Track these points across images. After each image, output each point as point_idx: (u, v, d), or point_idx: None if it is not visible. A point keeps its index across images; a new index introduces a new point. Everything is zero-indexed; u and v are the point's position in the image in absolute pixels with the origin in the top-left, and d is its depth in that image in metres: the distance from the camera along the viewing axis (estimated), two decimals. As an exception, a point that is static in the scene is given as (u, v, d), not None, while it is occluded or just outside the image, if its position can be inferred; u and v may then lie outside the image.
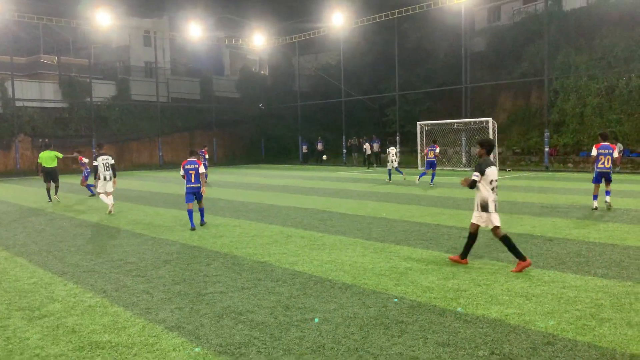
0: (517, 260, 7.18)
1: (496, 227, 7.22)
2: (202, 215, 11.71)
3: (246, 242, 9.58)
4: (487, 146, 7.44)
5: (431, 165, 20.48)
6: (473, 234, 7.49)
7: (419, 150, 30.80)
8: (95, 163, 14.32)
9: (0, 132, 32.50)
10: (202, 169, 11.46)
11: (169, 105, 41.60)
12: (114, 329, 5.22)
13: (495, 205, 7.26)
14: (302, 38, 40.43)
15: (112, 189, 14.19)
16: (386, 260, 7.91)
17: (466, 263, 7.53)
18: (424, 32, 36.05)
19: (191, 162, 11.33)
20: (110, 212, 13.80)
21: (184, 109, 42.27)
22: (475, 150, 7.33)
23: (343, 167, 35.38)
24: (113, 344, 4.85)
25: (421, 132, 30.80)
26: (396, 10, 33.24)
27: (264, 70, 51.75)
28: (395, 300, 5.95)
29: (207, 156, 24.94)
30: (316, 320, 5.35)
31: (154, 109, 39.62)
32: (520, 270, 7.02)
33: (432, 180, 20.46)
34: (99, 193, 14.47)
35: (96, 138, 35.80)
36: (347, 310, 5.63)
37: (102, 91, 38.02)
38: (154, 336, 5.01)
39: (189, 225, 11.16)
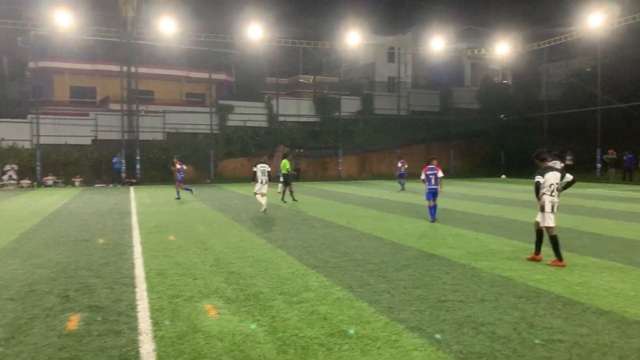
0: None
1: (547, 227, 8.43)
2: (435, 211, 13.73)
3: (485, 254, 9.32)
4: (538, 157, 8.77)
5: None
6: (537, 231, 8.72)
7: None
8: (254, 169, 16.43)
9: (265, 143, 37.65)
10: (440, 174, 13.55)
11: (408, 118, 42.86)
12: (360, 322, 5.62)
13: (553, 207, 8.41)
14: (552, 43, 37.55)
15: (266, 192, 16.35)
16: (653, 289, 6.87)
17: (540, 259, 8.59)
18: None
19: (431, 169, 13.60)
20: (264, 210, 16.13)
21: (422, 121, 43.07)
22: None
23: (596, 183, 31.65)
24: (359, 335, 5.23)
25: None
26: (672, 4, 28.53)
27: (507, 80, 49.57)
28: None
29: (405, 166, 27.11)
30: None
31: (394, 121, 41.29)
32: (553, 264, 8.29)
33: None
34: (256, 194, 16.43)
35: (342, 150, 38.90)
36: (603, 337, 5.07)
37: (349, 106, 41.14)
38: (396, 334, 5.25)
39: (425, 233, 11.45)
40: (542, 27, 39.18)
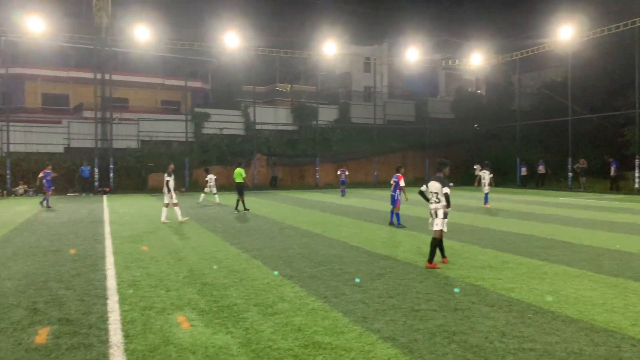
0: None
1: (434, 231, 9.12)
2: (395, 217, 14.96)
3: (459, 263, 9.42)
4: (437, 166, 9.44)
5: None
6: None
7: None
8: (167, 178, 16.13)
9: (242, 151, 37.47)
10: (402, 183, 14.78)
11: (384, 127, 43.21)
12: (334, 332, 5.62)
13: (430, 212, 9.17)
14: (524, 55, 38.34)
15: (168, 201, 16.15)
16: (620, 297, 7.03)
17: (435, 267, 8.98)
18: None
19: (395, 176, 15.00)
20: (178, 221, 15.95)
21: (398, 131, 43.46)
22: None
23: (568, 192, 32.30)
24: (333, 346, 5.23)
25: (668, 155, 26.51)
26: (637, 19, 29.41)
27: (481, 90, 50.41)
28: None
29: (346, 173, 29.63)
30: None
31: (370, 130, 41.57)
32: (429, 267, 8.95)
33: None
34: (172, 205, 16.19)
35: (319, 157, 38.96)
36: (572, 345, 5.17)
37: (326, 115, 41.30)
38: (370, 344, 5.26)
39: (402, 241, 11.58)
40: (515, 39, 40.08)
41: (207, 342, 5.34)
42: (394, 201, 14.91)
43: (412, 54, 41.02)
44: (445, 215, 9.07)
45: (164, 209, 16.33)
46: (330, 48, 38.37)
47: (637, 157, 30.02)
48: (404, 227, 14.58)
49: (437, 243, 9.09)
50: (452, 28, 48.51)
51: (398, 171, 15.05)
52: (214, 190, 23.40)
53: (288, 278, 8.25)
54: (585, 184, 33.18)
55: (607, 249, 10.96)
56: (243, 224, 15.91)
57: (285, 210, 20.68)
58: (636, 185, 29.84)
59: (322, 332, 5.62)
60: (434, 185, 9.12)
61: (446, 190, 8.96)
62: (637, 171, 29.95)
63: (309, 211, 20.09)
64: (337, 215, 18.47)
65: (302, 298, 7.04)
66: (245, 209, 19.79)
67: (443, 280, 8.05)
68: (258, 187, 36.27)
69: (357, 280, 7.94)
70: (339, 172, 29.74)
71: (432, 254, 9.05)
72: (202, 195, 23.94)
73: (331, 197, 28.18)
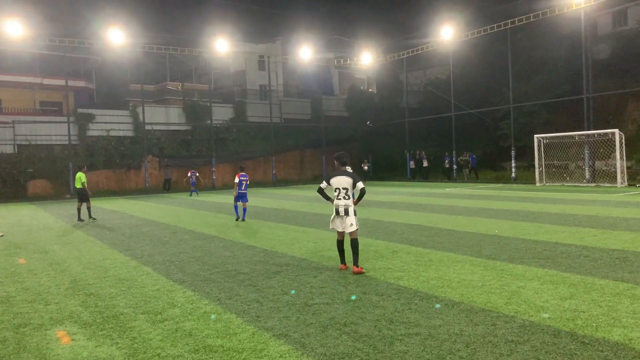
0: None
1: (337, 232, 8.56)
2: (244, 213, 16.31)
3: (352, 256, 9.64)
4: (337, 159, 8.66)
5: None
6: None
7: (536, 165, 29.21)
8: None
9: (132, 153, 35.78)
10: (236, 180, 16.03)
11: (281, 125, 43.35)
12: (226, 335, 5.51)
13: (338, 210, 8.36)
14: (410, 54, 40.25)
15: None
16: (497, 278, 7.58)
17: (345, 268, 8.54)
18: (540, 41, 34.22)
19: (244, 175, 16.16)
20: None
21: (295, 129, 43.82)
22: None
23: (452, 183, 34.44)
24: (225, 348, 5.13)
25: (539, 146, 29.16)
26: (509, 21, 32.00)
27: (372, 88, 52.21)
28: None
29: (197, 175, 31.80)
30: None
31: (267, 129, 41.51)
32: (357, 272, 8.16)
33: None
34: None
35: (216, 157, 38.25)
36: (454, 327, 5.48)
37: (221, 114, 40.61)
38: (262, 343, 5.22)
39: (297, 238, 11.64)
40: (402, 38, 41.85)
41: (90, 356, 5.01)
42: (246, 198, 16.31)
43: (305, 52, 41.48)
44: (355, 213, 8.47)
45: None
46: (222, 46, 37.73)
47: (512, 148, 32.70)
48: (244, 220, 16.15)
49: (358, 243, 8.35)
50: (343, 27, 49.75)
51: (243, 170, 16.51)
52: None
53: (179, 283, 7.98)
54: (468, 175, 35.61)
55: (486, 234, 11.80)
56: (132, 230, 15.18)
57: (178, 213, 20.04)
58: (512, 175, 32.48)
59: (214, 335, 5.49)
60: (343, 181, 8.36)
61: (361, 184, 8.35)
62: (513, 162, 32.61)
63: (204, 213, 19.64)
64: (234, 215, 18.20)
65: (194, 302, 6.84)
66: (91, 218, 17.90)
67: (337, 274, 8.21)
68: (151, 191, 34.87)
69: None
70: (189, 174, 31.37)
71: (356, 256, 8.27)
72: None
73: (228, 198, 27.76)
